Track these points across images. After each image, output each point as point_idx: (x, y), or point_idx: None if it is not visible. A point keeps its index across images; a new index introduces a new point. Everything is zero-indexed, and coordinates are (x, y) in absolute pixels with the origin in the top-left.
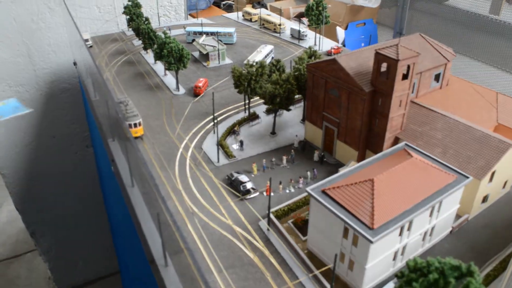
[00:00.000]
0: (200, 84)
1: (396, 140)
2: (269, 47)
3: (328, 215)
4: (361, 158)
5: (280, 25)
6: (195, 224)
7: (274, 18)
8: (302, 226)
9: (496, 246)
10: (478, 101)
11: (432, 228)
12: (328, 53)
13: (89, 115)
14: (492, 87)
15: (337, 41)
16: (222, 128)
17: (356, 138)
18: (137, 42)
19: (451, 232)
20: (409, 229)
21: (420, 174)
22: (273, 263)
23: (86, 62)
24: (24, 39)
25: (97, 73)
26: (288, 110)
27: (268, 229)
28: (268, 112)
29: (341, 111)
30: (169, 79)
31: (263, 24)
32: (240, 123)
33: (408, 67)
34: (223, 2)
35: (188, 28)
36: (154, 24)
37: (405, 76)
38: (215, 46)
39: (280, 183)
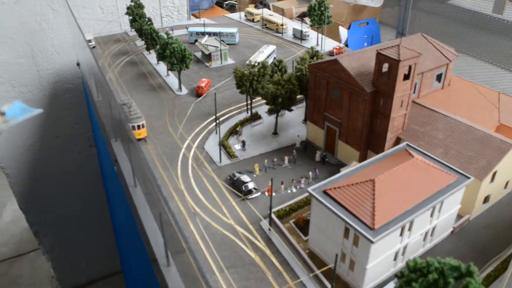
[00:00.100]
0: (203, 85)
1: (398, 140)
2: (271, 47)
3: (329, 215)
4: (362, 158)
5: (282, 25)
6: (197, 224)
7: (276, 18)
8: (303, 226)
9: (497, 246)
10: (480, 101)
11: (433, 228)
12: (330, 53)
13: (92, 116)
14: (496, 86)
15: (339, 40)
16: (224, 128)
17: (357, 139)
18: (140, 43)
19: (452, 232)
20: (410, 229)
21: (421, 174)
22: (274, 262)
23: (89, 63)
24: (28, 40)
25: (99, 74)
26: (290, 110)
27: (269, 229)
28: (270, 112)
29: (343, 112)
30: (172, 79)
31: (265, 24)
32: (242, 123)
33: (410, 67)
34: (226, 2)
35: (191, 29)
36: (156, 25)
37: (406, 77)
38: (217, 47)
39: (282, 183)
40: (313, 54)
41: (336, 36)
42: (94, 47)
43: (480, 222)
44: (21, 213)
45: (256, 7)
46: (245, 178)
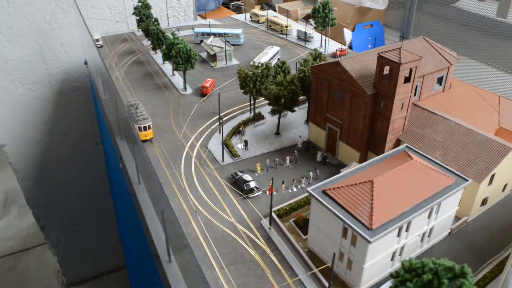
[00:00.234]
0: (207, 85)
1: (398, 142)
2: (276, 49)
3: (328, 215)
4: (363, 159)
5: (286, 26)
6: (198, 221)
7: (281, 19)
8: (303, 225)
9: (494, 248)
10: (480, 104)
11: (431, 230)
12: (334, 55)
13: (99, 114)
14: (500, 89)
15: (344, 42)
16: (228, 128)
17: (358, 140)
18: (146, 43)
19: (449, 233)
20: (407, 230)
21: (419, 176)
22: (273, 260)
23: (97, 62)
24: (37, 39)
25: (105, 73)
26: (293, 111)
27: (269, 228)
28: (273, 112)
29: (344, 113)
30: (177, 79)
31: (270, 26)
32: (245, 123)
33: (411, 70)
34: (232, 3)
35: (196, 29)
36: (163, 25)
37: (407, 79)
38: (222, 47)
39: (283, 182)
40: (316, 55)
41: (340, 38)
42: (101, 46)
43: (477, 224)
44: (28, 208)
45: (262, 8)
46: (247, 177)
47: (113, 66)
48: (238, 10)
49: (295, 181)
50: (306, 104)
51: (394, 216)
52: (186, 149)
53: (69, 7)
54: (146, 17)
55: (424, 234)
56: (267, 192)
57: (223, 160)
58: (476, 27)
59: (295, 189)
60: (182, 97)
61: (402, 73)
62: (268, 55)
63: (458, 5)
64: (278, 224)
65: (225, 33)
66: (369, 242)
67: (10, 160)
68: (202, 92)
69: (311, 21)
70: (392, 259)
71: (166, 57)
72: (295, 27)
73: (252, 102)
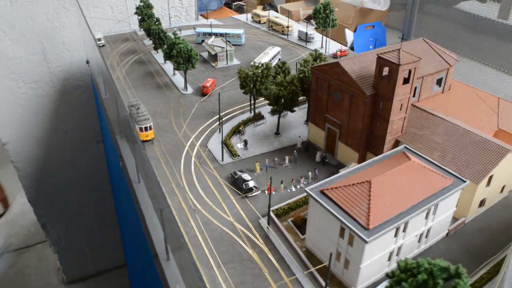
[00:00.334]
0: (208, 84)
1: (397, 143)
2: (277, 49)
3: (326, 215)
4: (361, 159)
5: (288, 27)
6: (197, 220)
7: (282, 20)
8: (301, 224)
9: (491, 249)
10: (479, 106)
11: (428, 230)
12: (334, 56)
13: (101, 112)
14: (501, 91)
15: (346, 43)
16: (228, 127)
17: (357, 140)
18: (148, 42)
19: (447, 234)
20: (404, 230)
21: (417, 177)
22: (271, 259)
23: (98, 61)
24: (40, 38)
25: (106, 72)
26: (292, 111)
27: (268, 227)
28: (273, 113)
29: (343, 114)
30: (178, 78)
31: (271, 26)
32: (245, 123)
33: (410, 71)
34: (234, 3)
35: (198, 29)
36: (165, 25)
37: (406, 80)
38: (223, 47)
39: (282, 182)
40: (317, 56)
41: (342, 39)
42: (103, 45)
43: (475, 225)
44: (29, 206)
45: (264, 9)
46: (246, 176)
47: (115, 65)
48: (240, 10)
49: (294, 181)
50: (306, 105)
51: (391, 216)
52: (186, 148)
53: (72, 6)
54: (148, 17)
55: (421, 234)
56: (266, 191)
57: (222, 160)
58: (477, 28)
59: (293, 189)
60: (183, 96)
61: (401, 74)
62: (269, 55)
63: (460, 7)
64: (276, 224)
65: (226, 33)
66: (365, 242)
67: (12, 158)
68: (202, 92)
69: (313, 21)
70: (389, 259)
71: (167, 56)
72: (296, 27)
73: (252, 102)
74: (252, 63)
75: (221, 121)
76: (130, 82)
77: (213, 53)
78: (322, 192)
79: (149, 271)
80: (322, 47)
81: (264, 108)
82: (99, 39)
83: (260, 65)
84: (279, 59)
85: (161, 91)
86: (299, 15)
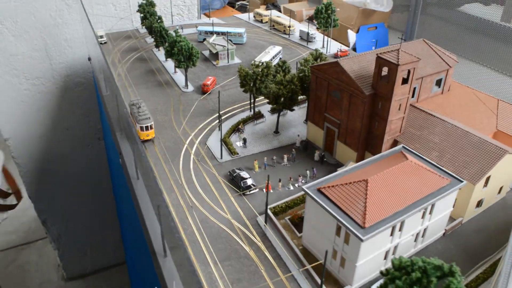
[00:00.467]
0: (208, 82)
1: (395, 143)
2: (277, 48)
3: (322, 213)
4: (360, 159)
5: (289, 26)
6: (195, 217)
7: (284, 19)
8: (298, 223)
9: (487, 249)
10: (478, 107)
11: (425, 230)
12: (335, 56)
13: (102, 109)
14: (503, 94)
15: (348, 44)
16: (227, 125)
17: (355, 140)
18: (150, 40)
19: (444, 234)
20: (400, 229)
21: (414, 176)
22: (268, 257)
23: (100, 58)
24: (42, 34)
25: (106, 69)
26: (292, 110)
27: (265, 225)
28: (272, 111)
29: (342, 113)
30: (179, 76)
31: (273, 26)
32: (245, 121)
33: (409, 71)
34: (238, 3)
35: (200, 28)
36: (167, 23)
37: (405, 81)
38: (224, 46)
39: (280, 180)
40: (317, 56)
41: (345, 39)
42: (105, 42)
43: (472, 226)
44: (30, 202)
45: (267, 8)
46: (244, 174)
47: (116, 62)
48: (243, 9)
49: (292, 179)
50: (306, 104)
51: (387, 215)
52: (185, 145)
53: (74, 3)
54: (150, 15)
55: (418, 234)
56: (264, 189)
57: (221, 157)
58: (480, 31)
59: (291, 187)
60: (183, 94)
61: (400, 74)
62: (269, 54)
63: (463, 9)
64: (274, 222)
65: (227, 32)
66: (361, 240)
67: (13, 154)
68: (203, 90)
69: (315, 22)
70: (385, 258)
71: (169, 54)
72: (298, 27)
73: (252, 100)
74: (252, 62)
75: (220, 119)
76: (131, 79)
77: (214, 51)
78: (319, 190)
79: (147, 267)
80: (323, 47)
81: (264, 107)
82: (101, 36)
83: (260, 64)
84: (280, 58)
85: (161, 88)
86: (302, 15)
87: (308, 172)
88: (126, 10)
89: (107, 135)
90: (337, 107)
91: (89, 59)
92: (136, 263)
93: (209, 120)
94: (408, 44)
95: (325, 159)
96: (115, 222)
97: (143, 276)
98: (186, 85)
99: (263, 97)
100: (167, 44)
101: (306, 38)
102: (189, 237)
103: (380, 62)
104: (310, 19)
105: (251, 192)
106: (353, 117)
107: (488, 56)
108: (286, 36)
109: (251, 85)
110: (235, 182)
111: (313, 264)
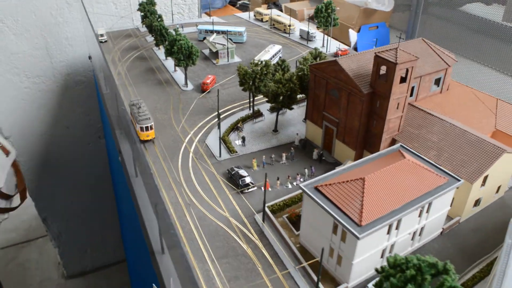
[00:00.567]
0: (208, 81)
1: (393, 142)
2: (277, 47)
3: (319, 211)
4: (358, 157)
5: (290, 26)
6: (193, 215)
7: (284, 19)
8: (296, 221)
9: (484, 249)
10: (477, 106)
11: (422, 228)
12: (335, 55)
13: (102, 108)
14: (505, 94)
15: (349, 43)
16: (226, 124)
17: (354, 138)
18: (150, 38)
19: (441, 233)
20: (397, 228)
21: (411, 175)
22: (265, 255)
23: (100, 57)
24: (43, 33)
25: (106, 67)
26: (291, 108)
27: (263, 223)
28: (271, 110)
29: (341, 112)
30: (179, 75)
31: (273, 25)
32: (244, 120)
33: (407, 70)
34: (239, 2)
35: (200, 26)
36: (168, 22)
37: (403, 79)
38: (224, 45)
39: (278, 179)
40: (317, 54)
41: (346, 39)
42: (106, 41)
43: (469, 225)
44: (30, 200)
45: (268, 7)
46: (242, 172)
47: (116, 61)
48: (244, 8)
49: (290, 177)
50: (305, 103)
51: (384, 213)
52: (184, 144)
53: (75, 2)
54: (150, 13)
55: (415, 232)
56: (262, 187)
57: (220, 156)
58: (482, 31)
59: (290, 186)
60: (183, 93)
61: (398, 73)
62: (269, 53)
63: (465, 9)
64: (272, 220)
65: (228, 31)
66: (358, 238)
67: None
68: (202, 88)
69: (315, 21)
70: (382, 257)
71: (168, 53)
72: (298, 26)
73: (252, 99)
74: (252, 60)
75: (219, 117)
76: (131, 78)
77: (214, 50)
78: (316, 188)
79: (145, 264)
80: (323, 46)
81: (263, 105)
82: (102, 35)
83: (259, 63)
84: (280, 57)
85: (161, 87)
86: (303, 14)
87: (306, 170)
88: (127, 8)
89: (107, 134)
90: (336, 105)
91: (90, 57)
92: (135, 260)
93: (208, 118)
94: (407, 43)
95: (323, 158)
96: (115, 220)
97: (142, 273)
98: (186, 83)
99: (262, 96)
100: (167, 42)
101: (306, 37)
102: (187, 234)
103: (378, 60)
104: (311, 18)
105: (249, 190)
106: (352, 115)
107: (490, 56)
108: (286, 35)
109: (250, 83)
110: (234, 180)
111: (310, 262)
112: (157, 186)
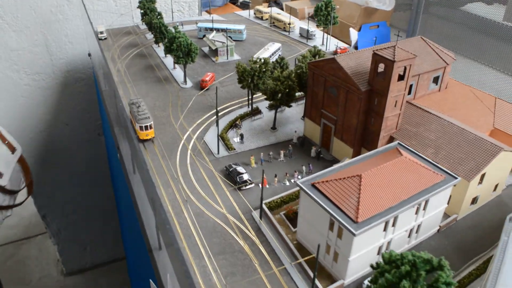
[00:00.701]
0: (207, 78)
1: (391, 139)
2: (277, 45)
3: (316, 208)
4: (356, 155)
5: (289, 24)
6: (190, 211)
7: (284, 17)
8: (293, 218)
9: (481, 246)
10: (476, 105)
11: (418, 226)
12: (335, 53)
13: (101, 105)
14: (505, 93)
15: (350, 42)
16: (225, 121)
17: (352, 136)
18: (150, 36)
19: (438, 231)
20: (394, 225)
21: (408, 172)
22: (262, 251)
23: (100, 54)
24: (43, 30)
25: (105, 64)
26: (289, 106)
27: (260, 220)
28: (270, 107)
29: (339, 109)
30: (178, 72)
31: (273, 23)
32: (243, 117)
33: (405, 68)
34: (240, 0)
35: (200, 24)
36: (168, 19)
37: (401, 77)
38: (224, 42)
39: (276, 176)
40: (315, 52)
41: (346, 37)
42: (105, 38)
43: (466, 222)
44: (30, 197)
45: (269, 6)
46: (240, 169)
47: (116, 58)
48: (245, 6)
49: (288, 175)
50: (304, 100)
51: (380, 210)
52: (183, 141)
53: None
54: (150, 11)
55: (411, 230)
56: (260, 184)
57: (218, 153)
58: (482, 30)
59: (287, 183)
60: (182, 90)
61: (396, 70)
62: (269, 51)
63: (466, 9)
64: (269, 216)
65: (227, 29)
66: (354, 234)
67: None
68: (201, 86)
69: (315, 19)
70: (378, 254)
71: (168, 50)
72: (298, 24)
73: (250, 97)
74: (251, 58)
75: (217, 114)
76: (130, 75)
77: (213, 48)
78: (313, 185)
79: (142, 260)
80: (323, 44)
81: (262, 103)
82: (102, 32)
83: (258, 60)
84: (279, 55)
85: (160, 84)
86: (304, 13)
87: (304, 167)
88: (127, 6)
89: (106, 131)
90: (334, 103)
91: (89, 54)
92: (133, 256)
93: (207, 115)
94: (406, 41)
95: (321, 155)
96: (114, 217)
97: (140, 269)
98: (185, 81)
99: (261, 94)
100: (166, 40)
101: (306, 35)
102: (184, 231)
103: (377, 58)
104: (311, 17)
105: (247, 187)
106: (350, 113)
107: (491, 56)
108: (286, 33)
109: (249, 81)
110: (231, 177)
111: (306, 258)
112: (154, 183)
